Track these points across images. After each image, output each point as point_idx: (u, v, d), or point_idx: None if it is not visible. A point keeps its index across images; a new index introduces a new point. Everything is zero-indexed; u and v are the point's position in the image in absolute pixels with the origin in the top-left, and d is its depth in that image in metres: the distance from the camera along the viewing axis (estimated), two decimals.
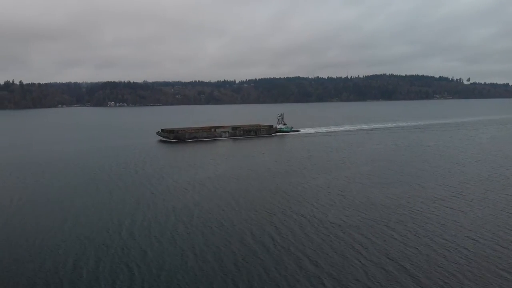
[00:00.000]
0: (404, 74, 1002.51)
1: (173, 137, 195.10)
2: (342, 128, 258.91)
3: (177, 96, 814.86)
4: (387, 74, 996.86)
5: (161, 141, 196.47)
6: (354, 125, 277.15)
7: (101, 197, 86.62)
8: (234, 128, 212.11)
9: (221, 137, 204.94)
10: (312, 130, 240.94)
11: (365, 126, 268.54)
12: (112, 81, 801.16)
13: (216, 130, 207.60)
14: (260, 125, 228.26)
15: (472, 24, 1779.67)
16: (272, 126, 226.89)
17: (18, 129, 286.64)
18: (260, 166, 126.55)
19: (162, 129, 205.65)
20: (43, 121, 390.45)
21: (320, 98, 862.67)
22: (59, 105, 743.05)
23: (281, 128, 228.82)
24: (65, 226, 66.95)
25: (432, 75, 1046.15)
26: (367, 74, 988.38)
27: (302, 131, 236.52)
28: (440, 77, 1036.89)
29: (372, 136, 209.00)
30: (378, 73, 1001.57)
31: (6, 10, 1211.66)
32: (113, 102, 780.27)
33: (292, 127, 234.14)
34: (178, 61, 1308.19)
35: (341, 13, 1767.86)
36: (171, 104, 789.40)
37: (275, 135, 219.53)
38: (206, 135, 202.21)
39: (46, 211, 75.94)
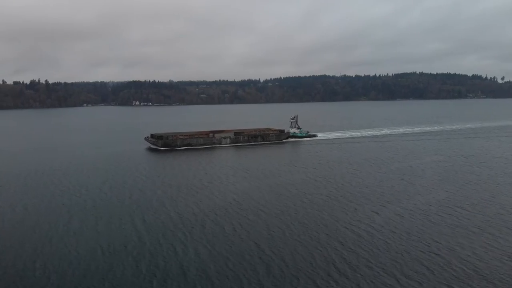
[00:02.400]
0: (435, 73, 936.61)
1: (161, 144, 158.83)
2: (372, 132, 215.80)
3: (201, 95, 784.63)
4: (417, 72, 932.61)
5: (149, 148, 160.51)
6: (391, 128, 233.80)
7: None
8: (237, 133, 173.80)
9: (220, 143, 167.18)
10: (333, 135, 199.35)
11: (406, 130, 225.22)
12: (137, 80, 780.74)
13: (215, 135, 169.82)
14: (269, 130, 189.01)
15: (509, 20, 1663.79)
16: (284, 130, 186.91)
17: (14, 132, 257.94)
18: (265, 193, 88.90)
19: (151, 134, 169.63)
20: (44, 122, 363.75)
21: (347, 97, 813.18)
22: (84, 104, 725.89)
23: (294, 132, 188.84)
24: None
25: (464, 73, 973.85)
26: (396, 72, 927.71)
27: (320, 135, 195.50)
28: (473, 75, 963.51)
29: (421, 144, 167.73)
30: (408, 71, 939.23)
31: (36, 10, 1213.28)
32: (137, 102, 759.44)
33: (308, 132, 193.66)
34: (204, 60, 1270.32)
35: (373, 9, 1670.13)
36: (195, 103, 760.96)
37: (287, 142, 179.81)
38: (203, 141, 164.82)
39: None
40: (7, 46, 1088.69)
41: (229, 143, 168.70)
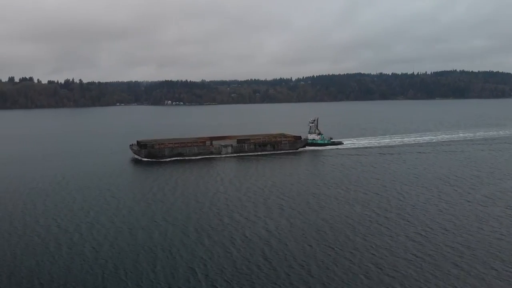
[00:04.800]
0: (477, 71, 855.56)
1: (145, 154, 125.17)
2: (421, 138, 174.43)
3: (232, 95, 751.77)
4: (458, 70, 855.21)
5: (134, 159, 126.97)
6: (446, 132, 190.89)
7: None
8: (241, 141, 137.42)
9: (220, 153, 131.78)
10: (363, 142, 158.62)
11: (467, 135, 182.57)
12: (170, 80, 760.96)
13: (213, 143, 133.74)
14: (283, 136, 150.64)
15: None
16: (300, 137, 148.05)
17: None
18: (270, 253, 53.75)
19: (137, 141, 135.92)
20: (45, 123, 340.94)
21: (384, 96, 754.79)
22: (117, 104, 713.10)
23: (313, 139, 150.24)
24: None
25: (508, 71, 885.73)
26: (435, 71, 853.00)
27: (347, 143, 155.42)
28: None
29: (499, 155, 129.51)
30: (448, 69, 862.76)
31: (74, 10, 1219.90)
32: (169, 101, 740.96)
33: (330, 138, 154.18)
34: (237, 59, 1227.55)
35: (416, 3, 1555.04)
36: (226, 103, 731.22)
37: (304, 150, 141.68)
38: (197, 151, 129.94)
39: None
40: (45, 46, 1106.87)
41: (231, 153, 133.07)
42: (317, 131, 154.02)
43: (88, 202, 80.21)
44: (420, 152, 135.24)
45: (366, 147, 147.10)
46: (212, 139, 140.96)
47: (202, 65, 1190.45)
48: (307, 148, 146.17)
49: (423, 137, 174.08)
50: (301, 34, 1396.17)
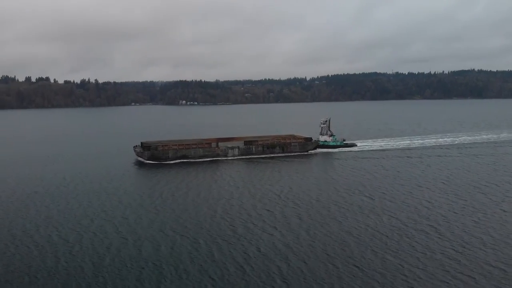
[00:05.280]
0: (495, 70, 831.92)
1: (148, 156, 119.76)
2: (435, 139, 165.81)
3: (246, 94, 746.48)
4: (476, 69, 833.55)
5: (137, 161, 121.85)
6: (468, 133, 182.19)
7: None
8: (249, 143, 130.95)
9: (226, 155, 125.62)
10: (379, 144, 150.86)
11: (490, 136, 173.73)
12: (184, 80, 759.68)
13: (219, 145, 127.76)
14: (293, 137, 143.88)
15: None
16: (311, 138, 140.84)
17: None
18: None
19: (141, 143, 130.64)
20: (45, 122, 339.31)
21: (400, 95, 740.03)
22: (133, 104, 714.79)
23: (325, 141, 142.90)
24: None
25: None
26: (452, 70, 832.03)
27: (361, 144, 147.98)
28: None
29: None
30: (465, 68, 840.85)
31: (91, 11, 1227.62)
32: (184, 101, 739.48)
33: (343, 140, 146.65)
34: (251, 59, 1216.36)
35: (433, 2, 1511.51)
36: (240, 103, 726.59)
37: (314, 153, 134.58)
38: (203, 153, 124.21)
39: None
40: (62, 46, 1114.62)
41: (238, 155, 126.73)
42: (329, 132, 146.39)
43: (86, 209, 74.97)
44: (443, 156, 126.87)
45: (382, 150, 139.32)
46: (218, 140, 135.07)
47: (216, 65, 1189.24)
48: (318, 150, 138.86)
49: (444, 139, 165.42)
50: (316, 33, 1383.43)
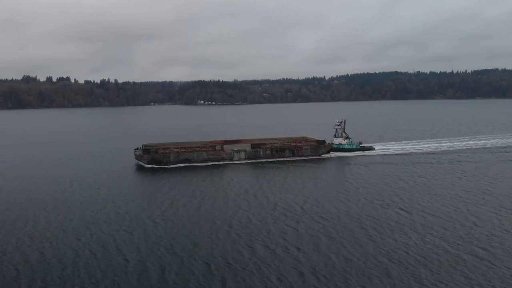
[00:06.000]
0: None
1: (148, 159, 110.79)
2: (465, 141, 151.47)
3: (263, 94, 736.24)
4: (499, 69, 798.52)
5: (138, 166, 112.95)
6: (502, 136, 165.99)
7: None
8: (256, 146, 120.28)
9: (232, 159, 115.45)
10: (399, 147, 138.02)
11: None
12: (202, 80, 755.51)
13: (224, 148, 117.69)
14: (305, 139, 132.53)
15: None
16: (324, 141, 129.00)
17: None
18: None
19: (143, 145, 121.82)
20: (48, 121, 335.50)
21: (421, 95, 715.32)
22: (151, 103, 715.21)
23: (340, 144, 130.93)
24: None
25: None
26: (475, 69, 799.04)
27: (379, 148, 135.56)
28: None
29: None
30: (488, 67, 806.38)
31: (113, 11, 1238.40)
32: (202, 101, 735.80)
33: (360, 143, 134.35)
34: (269, 59, 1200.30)
35: None
36: (258, 102, 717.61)
37: (328, 157, 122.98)
38: (207, 156, 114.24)
39: None
40: (84, 46, 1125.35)
41: (244, 159, 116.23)
42: (344, 135, 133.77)
43: (78, 223, 65.97)
44: (478, 161, 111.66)
45: (404, 153, 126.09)
46: (223, 143, 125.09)
47: (235, 65, 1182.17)
48: (332, 154, 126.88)
49: (474, 141, 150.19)
50: (336, 32, 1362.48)
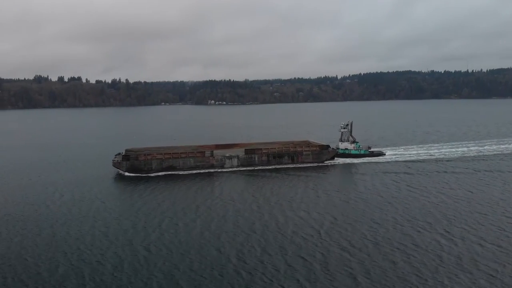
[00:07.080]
0: None
1: (126, 167, 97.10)
2: (496, 145, 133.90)
3: (274, 94, 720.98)
4: None
5: (117, 174, 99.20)
6: None
7: None
8: (250, 151, 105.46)
9: (223, 166, 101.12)
10: (415, 153, 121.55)
11: None
12: (213, 79, 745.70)
13: (214, 154, 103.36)
14: (307, 143, 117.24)
15: None
16: (328, 146, 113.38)
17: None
18: None
19: (126, 150, 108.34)
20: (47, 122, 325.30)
21: (436, 95, 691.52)
22: (162, 103, 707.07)
23: (346, 149, 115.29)
24: None
25: None
26: (491, 68, 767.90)
27: (390, 153, 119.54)
28: None
29: None
30: (504, 66, 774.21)
31: (125, 10, 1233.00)
32: (212, 101, 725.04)
33: (368, 148, 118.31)
34: (282, 58, 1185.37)
35: None
36: (269, 102, 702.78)
37: (332, 164, 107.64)
38: (194, 163, 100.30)
39: None
40: (96, 46, 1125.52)
41: (237, 166, 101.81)
42: (350, 139, 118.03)
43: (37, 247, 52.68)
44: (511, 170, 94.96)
45: (420, 160, 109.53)
46: (215, 147, 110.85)
47: (246, 64, 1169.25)
48: (337, 160, 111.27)
49: (505, 145, 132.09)
50: (350, 31, 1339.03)
